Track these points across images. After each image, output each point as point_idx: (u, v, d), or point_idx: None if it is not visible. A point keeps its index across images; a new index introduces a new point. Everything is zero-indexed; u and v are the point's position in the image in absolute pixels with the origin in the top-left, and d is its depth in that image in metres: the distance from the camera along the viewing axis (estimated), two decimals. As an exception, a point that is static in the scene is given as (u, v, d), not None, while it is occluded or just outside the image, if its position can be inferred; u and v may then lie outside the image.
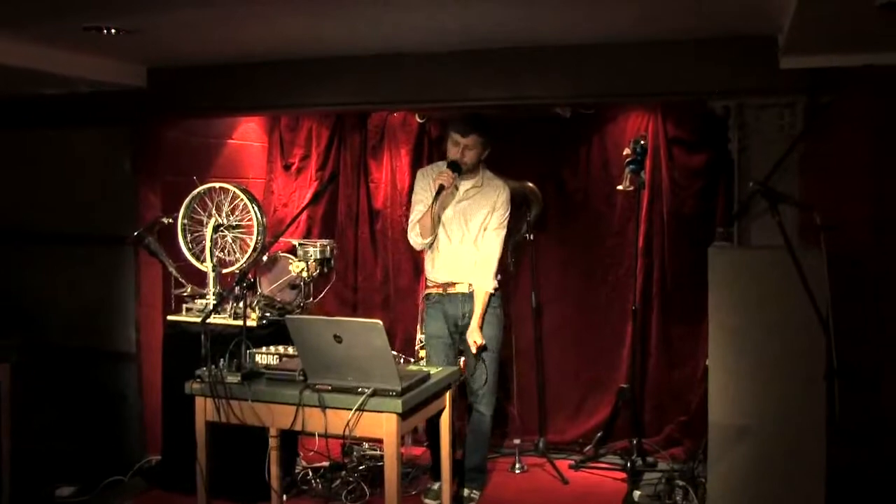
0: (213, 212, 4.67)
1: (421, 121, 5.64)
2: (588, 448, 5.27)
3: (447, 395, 3.77)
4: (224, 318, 4.51)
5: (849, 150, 4.15)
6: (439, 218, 4.41)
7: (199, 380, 3.53)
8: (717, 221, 4.94)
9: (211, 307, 4.31)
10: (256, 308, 4.59)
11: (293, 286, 4.84)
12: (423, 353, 4.61)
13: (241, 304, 4.28)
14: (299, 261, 4.75)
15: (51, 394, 5.26)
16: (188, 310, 4.69)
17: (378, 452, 5.01)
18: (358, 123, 5.85)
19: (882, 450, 4.04)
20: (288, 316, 3.58)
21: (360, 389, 3.29)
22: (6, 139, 5.42)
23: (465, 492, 4.57)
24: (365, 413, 3.28)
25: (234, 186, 4.70)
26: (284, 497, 4.31)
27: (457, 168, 4.31)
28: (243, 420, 3.49)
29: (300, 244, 4.86)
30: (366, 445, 5.19)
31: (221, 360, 3.54)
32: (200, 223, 4.69)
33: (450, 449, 3.83)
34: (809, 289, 3.27)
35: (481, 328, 4.39)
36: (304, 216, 5.77)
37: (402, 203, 5.62)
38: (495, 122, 5.29)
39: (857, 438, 3.90)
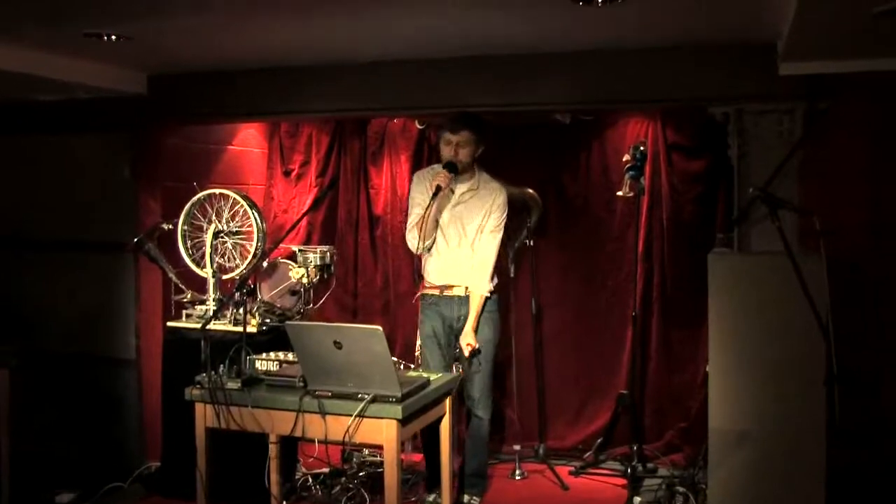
0: (213, 218, 4.67)
1: (421, 127, 5.64)
2: (588, 454, 5.26)
3: (447, 401, 3.76)
4: (224, 324, 4.51)
5: (847, 155, 4.17)
6: (437, 221, 4.41)
7: (198, 386, 3.53)
8: (716, 227, 4.94)
9: (211, 313, 4.31)
10: (256, 314, 4.59)
11: (293, 292, 4.84)
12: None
13: (241, 311, 4.28)
14: (299, 267, 4.75)
15: (50, 400, 5.26)
16: (188, 316, 4.69)
17: (378, 459, 5.00)
18: (358, 129, 5.85)
19: (882, 452, 4.04)
20: (288, 322, 3.58)
21: (359, 395, 3.29)
22: (6, 145, 5.42)
23: (466, 498, 4.56)
24: (365, 419, 3.28)
25: (234, 192, 4.71)
26: (284, 503, 4.31)
27: (453, 168, 4.29)
28: (243, 426, 3.48)
29: (300, 250, 4.86)
30: (366, 451, 5.18)
31: (221, 366, 3.54)
32: (200, 229, 4.69)
33: (450, 455, 3.82)
34: (809, 294, 3.28)
35: (476, 331, 4.38)
36: (304, 222, 5.77)
37: (402, 209, 5.62)
38: (496, 128, 5.32)
39: (857, 440, 3.90)
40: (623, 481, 4.84)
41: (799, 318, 3.49)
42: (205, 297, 4.69)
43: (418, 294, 4.57)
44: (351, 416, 3.27)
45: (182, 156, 5.31)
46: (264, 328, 4.55)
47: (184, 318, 4.69)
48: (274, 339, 4.36)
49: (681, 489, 4.56)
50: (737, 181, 4.39)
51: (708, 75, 4.28)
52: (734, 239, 4.41)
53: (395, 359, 3.48)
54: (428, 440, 4.40)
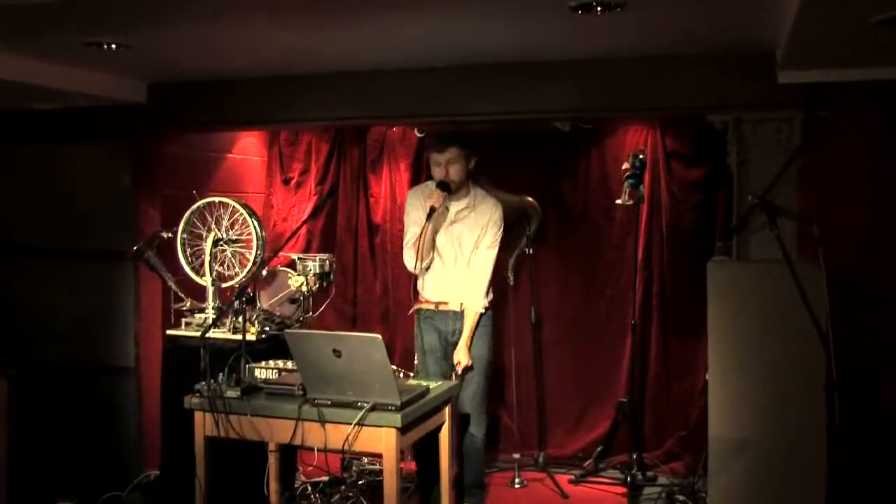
0: (213, 226, 4.67)
1: (420, 135, 5.65)
2: (588, 462, 5.25)
3: (446, 409, 3.76)
4: (223, 332, 4.50)
5: (845, 163, 4.18)
6: (433, 240, 4.39)
7: (198, 394, 3.52)
8: (716, 235, 4.95)
9: (210, 321, 4.31)
10: (256, 322, 4.58)
11: (292, 300, 4.83)
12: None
13: (240, 319, 4.27)
14: (298, 275, 4.74)
15: (49, 408, 5.24)
16: (187, 324, 4.68)
17: (377, 467, 4.99)
18: (357, 138, 5.86)
19: (882, 454, 4.03)
20: (287, 330, 3.58)
21: (359, 404, 3.29)
22: (5, 154, 5.42)
23: (465, 506, 4.56)
24: (364, 427, 3.27)
25: (234, 201, 4.71)
26: (283, 512, 4.30)
27: (446, 188, 4.28)
28: (242, 434, 3.48)
29: (299, 258, 4.86)
30: (365, 460, 5.17)
31: (220, 374, 3.54)
32: (200, 237, 4.69)
33: (448, 463, 3.82)
34: (808, 302, 3.28)
35: (470, 347, 4.37)
36: (303, 230, 5.77)
37: (402, 218, 5.59)
38: (495, 136, 5.34)
39: (858, 441, 3.90)
40: (623, 490, 4.84)
41: (798, 326, 3.49)
42: (204, 306, 4.69)
43: (413, 309, 4.56)
44: (350, 424, 3.26)
45: (181, 164, 5.31)
46: (263, 336, 4.54)
47: (183, 327, 4.69)
48: (273, 347, 4.36)
49: (681, 497, 4.56)
50: (736, 189, 4.41)
51: (707, 83, 4.29)
52: (733, 247, 4.42)
53: (394, 367, 3.48)
54: (422, 446, 4.38)
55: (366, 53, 4.26)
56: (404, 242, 4.49)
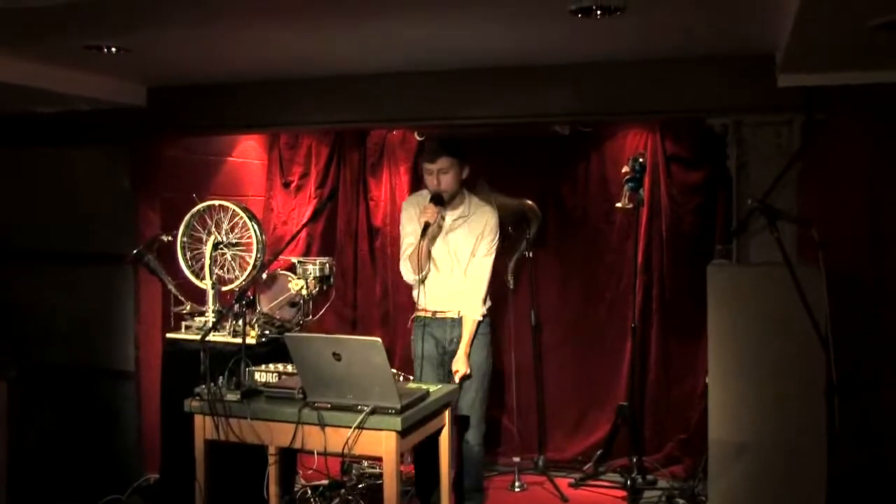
0: (213, 229, 4.67)
1: (420, 138, 5.64)
2: (588, 466, 5.25)
3: (446, 412, 3.76)
4: (223, 335, 4.50)
5: (845, 166, 4.18)
6: (429, 252, 4.37)
7: (198, 397, 3.52)
8: (715, 238, 4.95)
9: (210, 325, 4.31)
10: (256, 326, 4.58)
11: (292, 304, 4.83)
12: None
13: (240, 322, 4.27)
14: (298, 278, 4.74)
15: (49, 411, 5.24)
16: (187, 327, 4.68)
17: (377, 470, 4.99)
18: (357, 141, 5.86)
19: (883, 454, 4.03)
20: (287, 334, 3.58)
21: (359, 407, 3.29)
22: (6, 157, 5.43)
23: (465, 510, 4.55)
24: (364, 431, 3.27)
25: (234, 204, 4.71)
26: (283, 515, 4.30)
27: (440, 201, 4.26)
28: (242, 438, 3.48)
29: (299, 262, 4.86)
30: (365, 463, 5.17)
31: (220, 377, 3.54)
32: (200, 241, 4.69)
33: (448, 466, 3.81)
34: (808, 305, 3.28)
35: (468, 355, 4.36)
36: (303, 234, 5.77)
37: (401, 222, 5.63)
38: (495, 140, 5.34)
39: (858, 442, 3.90)
40: (623, 493, 4.84)
41: (798, 329, 3.49)
42: (204, 309, 4.69)
43: (412, 318, 4.54)
44: (350, 427, 3.26)
45: (181, 167, 5.31)
46: (263, 340, 4.54)
47: (183, 330, 4.69)
48: (273, 350, 4.35)
49: (681, 501, 4.56)
50: (735, 192, 4.40)
51: (707, 87, 4.29)
52: (733, 250, 4.42)
53: (394, 370, 3.47)
54: (420, 449, 4.37)
55: (366, 56, 4.27)
56: (401, 253, 4.47)
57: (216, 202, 4.73)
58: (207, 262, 4.63)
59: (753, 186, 4.20)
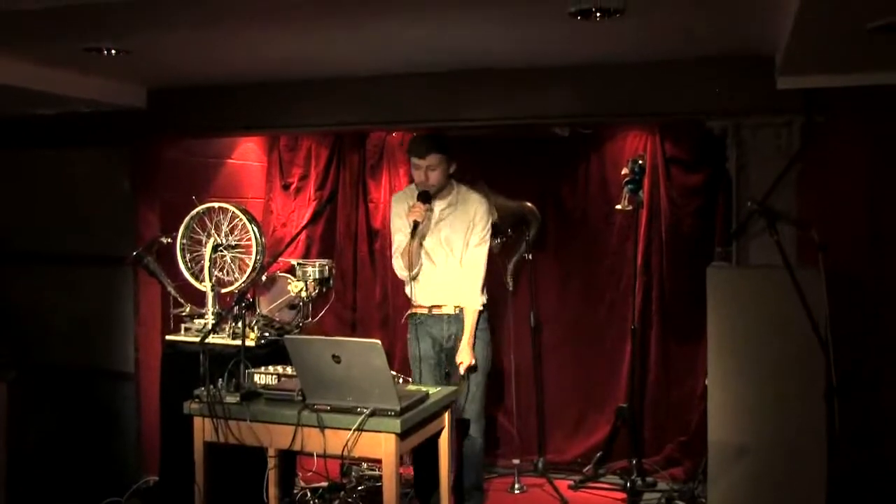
0: (212, 231, 4.67)
1: (417, 139, 5.64)
2: (587, 468, 5.24)
3: (446, 414, 3.76)
4: (223, 337, 4.50)
5: (844, 168, 4.18)
6: (421, 246, 4.35)
7: (197, 400, 3.52)
8: (715, 240, 4.95)
9: (210, 327, 4.31)
10: (255, 328, 4.58)
11: (292, 306, 4.83)
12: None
13: (239, 324, 4.27)
14: (298, 280, 4.75)
15: (48, 413, 5.24)
16: (187, 329, 4.68)
17: (377, 473, 4.99)
18: (357, 143, 5.86)
19: (883, 454, 4.04)
20: (286, 336, 3.58)
21: (358, 409, 3.28)
22: (6, 159, 5.43)
23: (464, 511, 4.55)
24: (364, 433, 3.27)
25: (234, 206, 4.71)
26: (283, 518, 4.29)
27: (427, 198, 4.25)
28: (242, 440, 3.48)
29: (299, 264, 4.86)
30: (364, 466, 5.16)
31: (220, 379, 3.54)
32: (199, 243, 4.69)
33: (448, 468, 3.81)
34: (808, 307, 3.29)
35: (472, 348, 4.35)
36: (302, 236, 5.77)
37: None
38: (494, 141, 5.34)
39: (858, 442, 3.90)
40: (623, 495, 4.84)
41: (798, 331, 3.50)
42: (203, 311, 4.69)
43: (406, 315, 4.52)
44: (350, 429, 3.26)
45: (181, 169, 5.31)
46: (263, 342, 4.54)
47: (182, 332, 4.68)
48: (272, 352, 4.35)
49: (680, 503, 4.55)
50: (735, 194, 4.41)
51: (706, 89, 4.29)
52: (733, 252, 4.42)
53: (393, 372, 3.48)
54: (419, 451, 4.36)
55: (365, 58, 4.27)
56: (392, 251, 4.46)
57: (216, 204, 4.73)
58: (207, 264, 4.63)
59: (753, 188, 4.20)
